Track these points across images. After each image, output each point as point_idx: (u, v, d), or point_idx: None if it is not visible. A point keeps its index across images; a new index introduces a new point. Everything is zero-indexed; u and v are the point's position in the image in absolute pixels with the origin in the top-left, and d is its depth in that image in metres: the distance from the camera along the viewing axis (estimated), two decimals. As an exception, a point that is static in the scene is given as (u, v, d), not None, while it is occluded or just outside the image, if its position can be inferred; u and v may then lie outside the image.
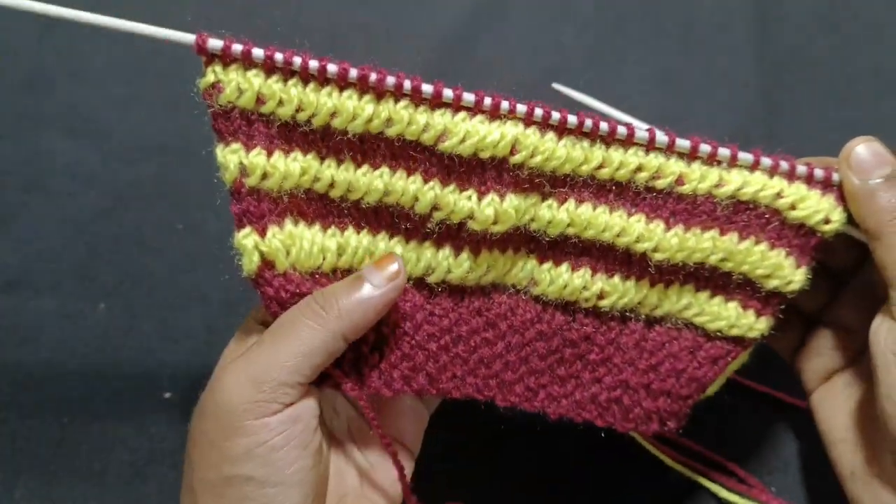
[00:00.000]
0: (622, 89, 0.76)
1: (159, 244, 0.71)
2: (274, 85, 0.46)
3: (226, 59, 0.46)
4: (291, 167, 0.47)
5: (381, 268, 0.47)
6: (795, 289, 0.51)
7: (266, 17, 0.77)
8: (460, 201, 0.48)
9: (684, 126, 0.74)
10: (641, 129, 0.49)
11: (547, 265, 0.52)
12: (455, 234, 0.50)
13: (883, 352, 0.47)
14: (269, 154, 0.47)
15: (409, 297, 0.51)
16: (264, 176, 0.47)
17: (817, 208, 0.50)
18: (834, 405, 0.54)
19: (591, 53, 0.78)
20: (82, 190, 0.72)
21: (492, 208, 0.48)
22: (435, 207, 0.48)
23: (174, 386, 0.66)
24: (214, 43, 0.46)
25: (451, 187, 0.48)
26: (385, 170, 0.48)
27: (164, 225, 0.71)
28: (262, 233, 0.46)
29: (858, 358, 0.54)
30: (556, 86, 0.65)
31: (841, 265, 0.56)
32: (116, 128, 0.74)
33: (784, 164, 0.50)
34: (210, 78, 0.46)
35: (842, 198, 0.50)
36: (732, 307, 0.53)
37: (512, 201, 0.48)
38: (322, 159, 0.48)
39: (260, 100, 0.46)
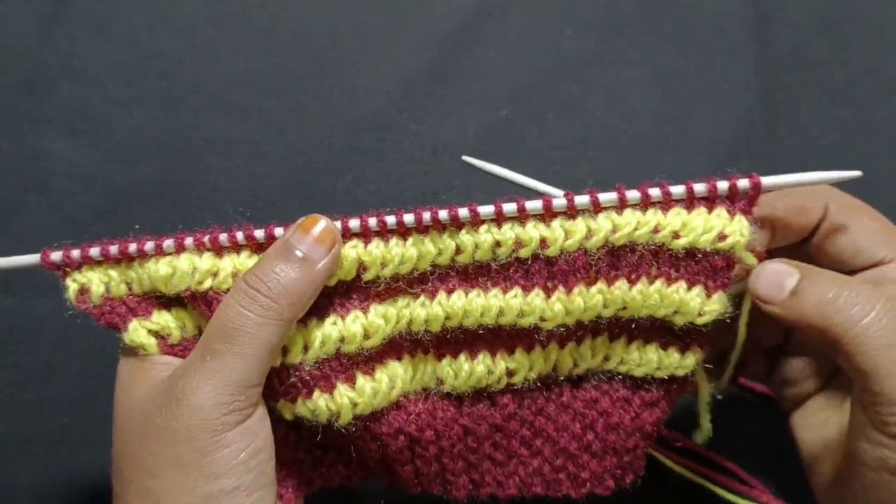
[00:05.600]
0: (621, 90, 0.76)
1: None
2: (128, 271, 0.48)
3: (76, 264, 0.48)
4: (193, 315, 0.48)
5: (307, 231, 0.44)
6: (711, 319, 0.47)
7: (266, 17, 0.77)
8: (327, 330, 0.46)
9: (683, 127, 0.75)
10: (487, 206, 0.46)
11: (445, 360, 0.50)
12: (339, 365, 0.47)
13: (866, 461, 0.44)
14: (168, 311, 0.49)
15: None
16: (181, 328, 0.48)
17: (703, 230, 0.45)
18: (809, 427, 0.53)
19: (590, 54, 0.78)
20: (82, 190, 0.72)
21: (358, 323, 0.46)
22: (305, 348, 0.46)
23: (174, 386, 0.66)
24: (56, 255, 0.48)
25: (314, 321, 0.47)
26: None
27: (164, 225, 0.71)
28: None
29: (828, 382, 0.53)
30: (466, 159, 0.62)
31: None
32: (116, 128, 0.74)
33: (655, 192, 0.46)
34: (74, 286, 0.48)
35: (741, 206, 0.46)
36: (652, 350, 0.50)
37: (377, 311, 0.47)
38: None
39: (128, 285, 0.48)
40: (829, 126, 0.75)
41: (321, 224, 0.45)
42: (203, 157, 0.74)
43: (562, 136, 0.75)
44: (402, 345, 0.49)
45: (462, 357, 0.50)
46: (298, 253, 0.44)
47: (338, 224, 0.46)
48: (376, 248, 0.46)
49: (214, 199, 0.72)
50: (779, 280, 0.45)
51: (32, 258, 0.48)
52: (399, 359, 0.50)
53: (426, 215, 0.46)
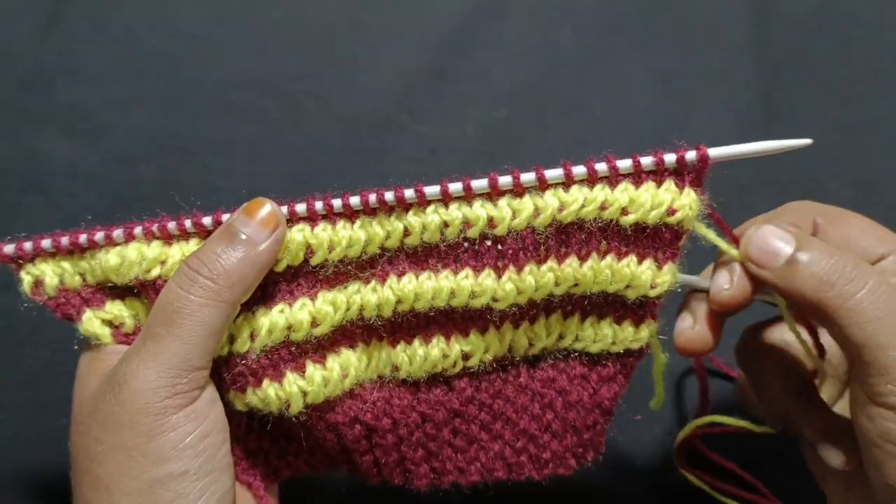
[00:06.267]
0: (621, 90, 0.77)
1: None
2: (81, 262, 0.48)
3: (28, 256, 0.48)
4: (126, 307, 0.48)
5: (252, 214, 0.44)
6: (664, 290, 0.47)
7: (266, 16, 0.77)
8: (273, 317, 0.46)
9: (683, 127, 0.75)
10: (433, 186, 0.46)
11: (400, 346, 0.49)
12: (288, 353, 0.47)
13: (868, 435, 0.44)
14: (122, 300, 0.49)
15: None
16: (128, 319, 0.48)
17: (652, 205, 0.45)
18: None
19: (590, 54, 0.78)
20: (82, 190, 0.72)
21: (306, 311, 0.46)
22: (252, 336, 0.46)
23: (174, 386, 0.66)
24: (9, 248, 0.48)
25: (260, 309, 0.46)
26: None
27: (163, 225, 0.71)
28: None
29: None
30: None
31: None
32: (115, 127, 0.74)
33: (601, 166, 0.46)
34: (28, 279, 0.48)
35: (689, 179, 0.45)
36: (606, 325, 0.49)
37: (325, 297, 0.47)
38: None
39: (82, 277, 0.48)
40: (828, 126, 0.75)
41: (266, 207, 0.45)
42: (203, 157, 0.74)
43: (562, 136, 0.75)
44: (354, 332, 0.49)
45: (416, 342, 0.49)
46: (242, 235, 0.44)
47: (284, 209, 0.45)
48: (323, 230, 0.46)
49: (214, 199, 0.72)
50: (774, 247, 0.45)
51: None
52: (352, 346, 0.49)
53: (372, 197, 0.45)
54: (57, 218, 0.71)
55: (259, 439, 0.52)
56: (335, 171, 0.73)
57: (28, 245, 0.48)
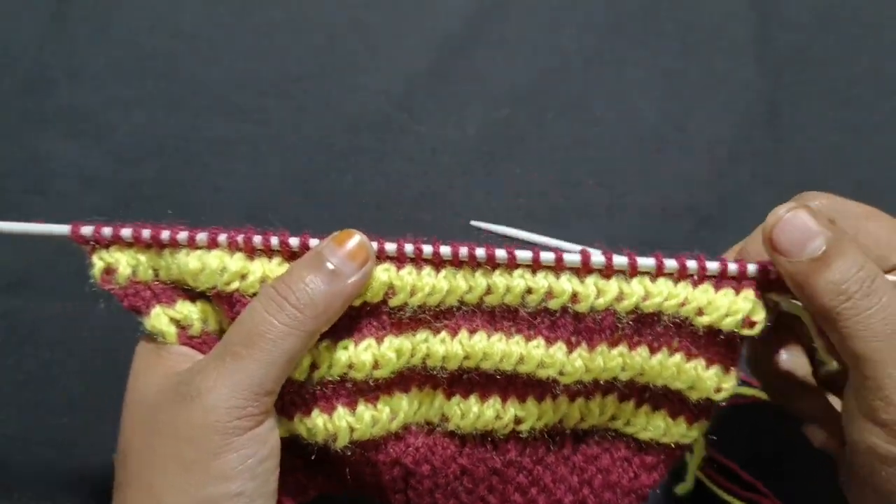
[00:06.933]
0: (622, 90, 0.76)
1: (159, 244, 0.71)
2: (157, 258, 0.47)
3: (104, 241, 0.47)
4: (197, 309, 0.47)
5: (342, 244, 0.44)
6: (725, 397, 0.47)
7: (266, 17, 0.77)
8: (337, 353, 0.45)
9: (684, 127, 0.75)
10: (525, 251, 0.46)
11: (455, 399, 0.49)
12: (343, 389, 0.47)
13: (859, 446, 0.44)
14: (193, 302, 0.48)
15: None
16: (203, 321, 0.48)
17: (727, 311, 0.44)
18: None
19: (591, 55, 0.78)
20: (83, 190, 0.72)
21: (370, 353, 0.45)
22: (312, 367, 0.46)
23: (174, 386, 0.66)
24: (87, 230, 0.47)
25: (326, 342, 0.46)
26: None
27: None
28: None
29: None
30: (474, 223, 0.61)
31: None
32: (116, 128, 0.74)
33: (692, 264, 0.45)
34: (100, 265, 0.47)
35: (769, 286, 0.45)
36: (660, 417, 0.49)
37: (392, 343, 0.46)
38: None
39: (155, 272, 0.48)
40: (829, 126, 0.75)
41: (356, 239, 0.44)
42: (203, 157, 0.74)
43: (562, 136, 0.75)
44: (412, 377, 0.48)
45: (472, 398, 0.49)
46: (330, 265, 0.43)
47: (373, 244, 0.45)
48: (408, 274, 0.45)
49: (214, 199, 0.72)
50: (803, 240, 0.42)
51: (62, 228, 0.47)
52: (406, 391, 0.48)
53: (463, 250, 0.45)
54: (57, 218, 0.71)
55: (292, 456, 0.51)
56: (335, 171, 0.73)
57: (107, 230, 0.47)
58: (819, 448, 0.51)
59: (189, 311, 0.47)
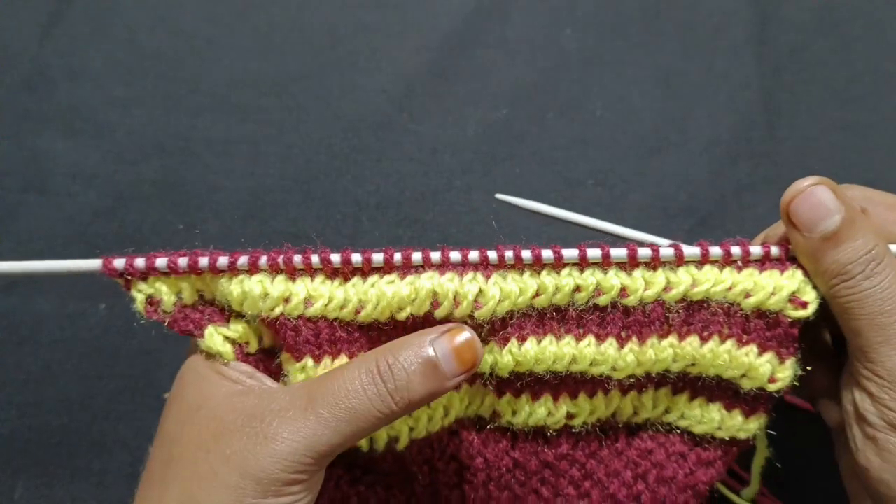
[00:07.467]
0: (622, 90, 0.76)
1: (159, 244, 0.70)
2: (198, 282, 0.46)
3: (139, 274, 0.46)
4: (252, 328, 0.47)
5: (452, 340, 0.43)
6: (781, 387, 0.47)
7: (266, 17, 0.77)
8: None
9: (684, 127, 0.75)
10: (571, 250, 0.46)
11: (506, 397, 0.49)
12: None
13: (847, 409, 0.46)
14: (246, 321, 0.47)
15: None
16: (253, 340, 0.47)
17: (773, 290, 0.45)
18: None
19: (590, 54, 0.78)
20: (82, 190, 0.72)
21: None
22: None
23: (174, 386, 0.66)
24: (119, 263, 0.46)
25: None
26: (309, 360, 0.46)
27: (164, 225, 0.71)
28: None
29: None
30: (500, 196, 0.61)
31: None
32: (116, 128, 0.74)
33: (736, 250, 0.46)
34: (141, 297, 0.46)
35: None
36: (715, 409, 0.49)
37: None
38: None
39: (200, 294, 0.47)
40: (829, 126, 0.75)
41: (471, 344, 0.43)
42: (203, 157, 0.73)
43: (562, 136, 0.75)
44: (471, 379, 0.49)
45: (524, 397, 0.49)
46: (438, 362, 0.42)
47: (435, 255, 0.45)
48: (450, 280, 0.44)
49: (214, 199, 0.72)
50: (819, 216, 0.43)
51: (93, 264, 0.46)
52: (457, 389, 0.47)
53: (509, 253, 0.45)
54: (57, 218, 0.71)
55: (333, 465, 0.51)
56: (335, 171, 0.73)
57: (140, 262, 0.45)
58: (833, 427, 0.51)
59: (243, 329, 0.46)
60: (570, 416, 0.49)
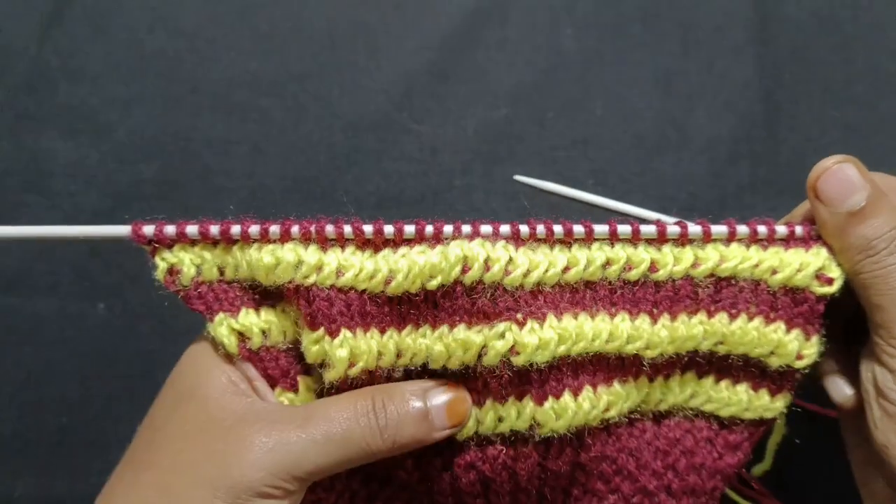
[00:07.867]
0: (622, 90, 0.76)
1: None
2: (224, 255, 0.46)
3: (167, 241, 0.46)
4: (281, 320, 0.47)
5: (447, 395, 0.45)
6: (808, 364, 0.47)
7: (266, 17, 0.77)
8: (417, 340, 0.45)
9: (684, 127, 0.75)
10: (602, 225, 0.46)
11: (548, 403, 0.47)
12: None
13: (867, 387, 0.46)
14: (257, 311, 0.47)
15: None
16: (263, 334, 0.47)
17: (799, 266, 0.46)
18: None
19: (590, 54, 0.78)
20: (82, 190, 0.72)
21: (441, 344, 0.45)
22: (399, 354, 0.46)
23: (174, 386, 0.66)
24: (148, 229, 0.46)
25: (407, 329, 0.45)
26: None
27: (164, 225, 0.71)
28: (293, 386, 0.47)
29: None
30: (518, 178, 0.61)
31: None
32: (116, 128, 0.74)
33: (762, 229, 0.47)
34: (163, 265, 0.46)
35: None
36: (742, 390, 0.49)
37: (461, 331, 0.45)
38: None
39: (221, 270, 0.47)
40: (829, 126, 0.75)
41: (464, 405, 0.46)
42: (203, 157, 0.74)
43: (562, 136, 0.75)
44: (478, 384, 0.47)
45: (566, 396, 0.47)
46: (428, 413, 0.44)
47: (466, 227, 0.45)
48: (479, 245, 0.45)
49: (214, 199, 0.72)
50: (846, 192, 0.44)
51: (123, 229, 0.46)
52: (480, 404, 0.47)
53: (540, 227, 0.46)
54: (57, 218, 0.71)
55: (349, 479, 0.50)
56: (335, 171, 0.73)
57: (170, 229, 0.45)
58: (838, 402, 0.51)
59: (252, 322, 0.46)
60: (607, 410, 0.49)
